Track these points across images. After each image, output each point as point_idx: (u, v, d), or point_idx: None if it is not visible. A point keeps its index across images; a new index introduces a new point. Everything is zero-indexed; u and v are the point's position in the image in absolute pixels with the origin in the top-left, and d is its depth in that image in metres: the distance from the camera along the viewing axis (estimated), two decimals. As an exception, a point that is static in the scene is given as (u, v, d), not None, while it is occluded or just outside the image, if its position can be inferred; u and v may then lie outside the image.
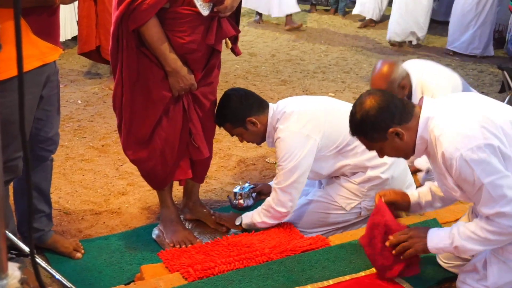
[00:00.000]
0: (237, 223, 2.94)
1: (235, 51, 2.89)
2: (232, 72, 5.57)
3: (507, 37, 6.71)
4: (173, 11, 2.51)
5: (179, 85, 2.63)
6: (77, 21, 5.20)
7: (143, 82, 2.63)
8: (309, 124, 2.75)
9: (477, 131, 1.98)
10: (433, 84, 3.25)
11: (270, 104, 2.90)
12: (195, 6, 2.49)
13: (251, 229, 2.87)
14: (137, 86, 2.64)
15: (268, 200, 2.81)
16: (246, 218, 2.90)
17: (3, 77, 2.11)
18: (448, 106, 2.14)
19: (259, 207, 2.87)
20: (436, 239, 2.17)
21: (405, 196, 2.44)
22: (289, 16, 7.46)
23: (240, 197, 3.07)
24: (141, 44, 2.56)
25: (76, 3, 4.99)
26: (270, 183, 3.17)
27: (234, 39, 2.84)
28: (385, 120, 2.11)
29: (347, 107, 2.95)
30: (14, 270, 1.20)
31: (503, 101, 4.57)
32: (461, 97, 2.28)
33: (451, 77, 3.39)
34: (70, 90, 4.99)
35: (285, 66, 5.99)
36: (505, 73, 4.64)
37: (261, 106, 2.86)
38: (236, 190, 3.09)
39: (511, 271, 2.14)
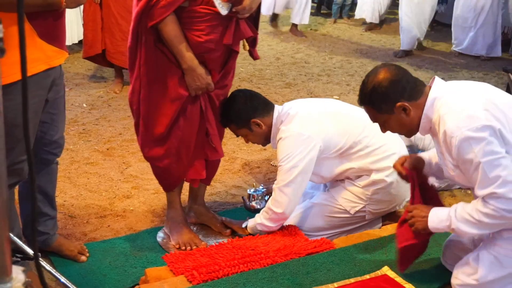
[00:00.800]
0: (243, 226, 2.94)
1: (253, 54, 2.90)
2: (236, 75, 5.55)
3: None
4: (191, 9, 2.53)
5: (195, 84, 2.64)
6: (82, 25, 5.23)
7: (161, 79, 2.66)
8: (312, 127, 2.75)
9: (480, 112, 2.03)
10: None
11: (276, 106, 2.90)
12: (213, 6, 2.51)
13: (256, 232, 2.86)
14: (154, 83, 2.66)
15: (268, 201, 2.80)
16: (251, 221, 2.89)
17: (8, 81, 2.12)
18: (456, 89, 2.19)
19: (262, 210, 2.87)
20: (436, 219, 2.21)
21: (419, 158, 2.47)
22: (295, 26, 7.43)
23: (253, 199, 3.09)
24: (159, 41, 2.58)
25: (81, 7, 5.01)
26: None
27: (253, 43, 2.85)
28: (395, 93, 2.16)
29: (353, 110, 2.97)
30: (18, 273, 1.20)
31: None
32: (470, 83, 2.32)
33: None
34: (75, 94, 5.01)
35: (289, 69, 5.99)
36: (510, 75, 4.62)
37: (266, 107, 2.86)
38: (250, 192, 3.12)
39: (501, 266, 2.16)
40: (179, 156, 2.81)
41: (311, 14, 8.47)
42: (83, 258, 2.83)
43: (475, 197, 2.14)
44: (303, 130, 2.73)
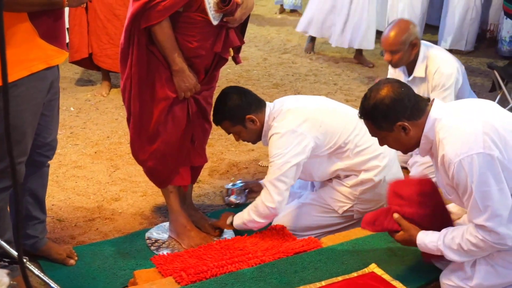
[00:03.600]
0: (228, 222, 2.92)
1: (236, 60, 2.93)
2: (223, 76, 5.58)
3: (498, 36, 6.75)
4: (186, 15, 2.57)
5: (184, 85, 2.67)
6: (67, 29, 5.21)
7: (150, 79, 2.68)
8: (305, 123, 2.76)
9: (479, 138, 2.02)
10: (439, 57, 3.46)
11: (267, 103, 2.91)
12: (207, 14, 2.54)
13: (243, 230, 2.86)
14: (144, 83, 2.69)
15: (258, 196, 2.79)
16: (237, 218, 2.87)
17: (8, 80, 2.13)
18: (456, 110, 2.18)
19: (249, 206, 2.86)
20: (424, 247, 2.26)
21: None
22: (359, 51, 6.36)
23: (232, 193, 3.06)
24: (150, 43, 2.61)
25: (66, 11, 5.00)
26: (261, 181, 3.18)
27: (237, 49, 2.89)
28: (396, 112, 2.15)
29: (343, 107, 2.99)
30: (2, 277, 1.21)
31: (494, 100, 4.61)
32: (470, 102, 2.33)
33: (455, 59, 3.59)
34: (62, 98, 4.93)
35: (276, 70, 6.01)
36: (495, 72, 4.66)
37: (259, 104, 2.87)
38: (229, 186, 3.10)
39: (497, 274, 2.19)
40: (165, 159, 2.83)
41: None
42: (72, 261, 2.83)
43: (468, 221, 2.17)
44: (295, 127, 2.74)
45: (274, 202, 2.72)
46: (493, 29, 6.98)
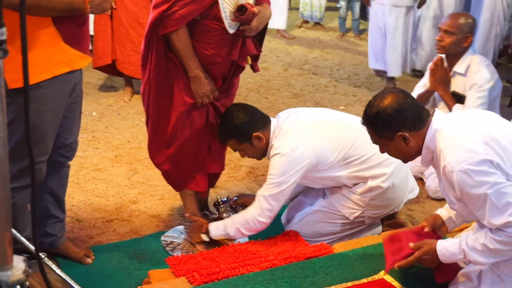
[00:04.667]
0: (205, 239, 2.90)
1: (254, 68, 2.98)
2: (244, 86, 5.66)
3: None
4: (203, 23, 2.64)
5: (201, 91, 2.73)
6: (91, 36, 5.33)
7: (169, 84, 2.76)
8: (305, 143, 2.77)
9: (480, 147, 2.03)
10: (483, 61, 3.64)
11: (271, 119, 2.93)
12: (223, 23, 2.61)
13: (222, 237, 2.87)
14: (162, 88, 2.76)
15: (249, 209, 2.82)
16: (216, 230, 2.86)
17: (31, 82, 2.21)
18: (456, 121, 2.20)
19: (234, 216, 2.89)
20: (447, 253, 2.22)
21: (437, 217, 2.49)
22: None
23: (219, 211, 3.09)
24: (168, 50, 2.69)
25: (92, 18, 5.12)
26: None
27: (255, 57, 2.94)
28: (398, 122, 2.18)
29: (344, 118, 3.01)
30: (18, 262, 1.28)
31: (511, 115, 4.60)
32: (471, 113, 2.34)
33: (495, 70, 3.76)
34: (85, 102, 5.06)
35: (297, 80, 6.07)
36: (515, 86, 4.66)
37: (264, 121, 2.90)
38: (220, 202, 3.12)
39: (503, 283, 2.18)
40: (180, 164, 2.90)
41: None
42: (89, 260, 2.90)
43: (481, 226, 2.14)
44: (295, 147, 2.75)
45: (266, 218, 2.77)
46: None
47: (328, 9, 8.99)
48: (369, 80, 6.17)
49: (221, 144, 3.00)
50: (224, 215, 3.07)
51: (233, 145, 2.93)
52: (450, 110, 3.57)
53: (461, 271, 2.33)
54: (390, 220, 3.09)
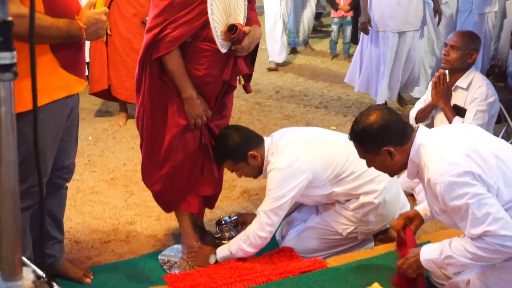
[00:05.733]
0: (212, 262, 2.96)
1: (247, 89, 3.06)
2: (237, 108, 5.76)
3: (507, 71, 6.88)
4: (194, 45, 2.72)
5: (194, 112, 2.80)
6: (87, 62, 5.44)
7: (162, 107, 2.83)
8: (301, 158, 2.86)
9: (461, 159, 2.13)
10: (485, 79, 3.79)
11: (264, 138, 3.03)
12: (214, 43, 2.69)
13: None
14: (156, 110, 2.84)
15: (250, 226, 2.89)
16: (222, 251, 2.94)
17: (30, 107, 2.29)
18: (439, 135, 2.30)
19: (237, 236, 2.95)
20: (429, 249, 2.29)
21: (416, 213, 2.63)
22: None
23: (222, 230, 3.16)
24: (162, 72, 2.77)
25: (88, 45, 5.23)
26: (256, 211, 3.30)
27: (248, 78, 3.03)
28: (383, 137, 2.28)
29: (336, 136, 3.11)
30: (28, 273, 1.35)
31: (500, 131, 4.72)
32: (454, 127, 2.44)
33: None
34: (81, 127, 5.10)
35: (289, 102, 6.18)
36: (501, 105, 4.77)
37: (258, 139, 2.99)
38: (222, 222, 3.20)
39: None
40: (171, 185, 2.97)
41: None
42: (88, 280, 2.95)
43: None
44: (292, 162, 2.84)
45: (266, 232, 2.84)
46: (501, 63, 7.11)
47: (317, 32, 9.16)
48: (359, 101, 6.29)
49: (215, 167, 3.06)
50: (227, 234, 3.15)
51: (229, 166, 3.01)
52: (450, 122, 3.69)
53: (449, 281, 2.41)
54: (382, 235, 3.17)
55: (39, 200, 2.60)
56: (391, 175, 2.45)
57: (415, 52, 5.59)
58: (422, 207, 2.63)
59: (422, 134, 2.30)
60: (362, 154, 2.41)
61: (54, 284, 2.26)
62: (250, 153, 2.92)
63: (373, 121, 2.29)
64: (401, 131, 2.30)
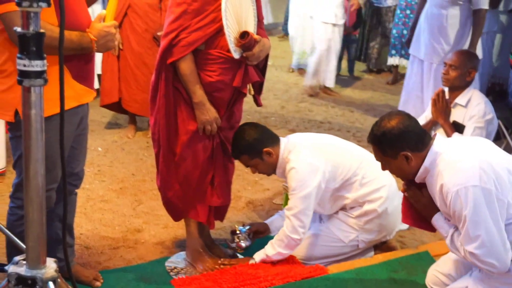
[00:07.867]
0: (251, 263, 3.06)
1: (257, 101, 3.17)
2: (243, 121, 5.88)
3: (508, 89, 6.98)
4: (207, 52, 2.85)
5: (204, 117, 2.90)
6: (98, 75, 5.60)
7: (176, 114, 2.94)
8: (321, 158, 3.00)
9: (476, 172, 2.22)
10: (484, 97, 3.90)
11: (281, 138, 3.16)
12: (226, 50, 2.82)
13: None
14: (170, 116, 2.94)
15: (282, 230, 2.99)
16: (259, 256, 3.06)
17: (47, 114, 2.41)
18: (456, 146, 2.40)
19: (271, 241, 3.05)
20: (441, 222, 2.44)
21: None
22: None
23: (238, 239, 3.24)
24: (176, 80, 2.89)
25: (100, 58, 5.39)
26: (265, 221, 3.42)
27: (259, 90, 3.14)
28: (402, 143, 2.38)
29: (350, 145, 3.25)
30: (51, 263, 1.47)
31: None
32: (470, 140, 2.56)
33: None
34: (91, 139, 5.28)
35: (293, 117, 6.32)
36: (500, 122, 4.88)
37: (274, 138, 3.12)
38: (237, 232, 3.28)
39: None
40: (182, 193, 3.07)
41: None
42: (98, 284, 3.06)
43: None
44: (313, 160, 2.98)
45: (299, 234, 2.95)
46: (501, 82, 7.22)
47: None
48: (363, 117, 6.43)
49: (225, 175, 3.16)
50: (242, 243, 3.22)
51: (245, 161, 3.12)
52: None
53: (447, 287, 2.51)
54: (382, 245, 3.28)
55: (53, 204, 2.73)
56: (404, 179, 2.54)
57: None
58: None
59: (439, 143, 2.40)
60: (379, 157, 2.49)
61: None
62: (265, 149, 3.04)
63: (394, 126, 2.39)
64: (420, 138, 2.40)
